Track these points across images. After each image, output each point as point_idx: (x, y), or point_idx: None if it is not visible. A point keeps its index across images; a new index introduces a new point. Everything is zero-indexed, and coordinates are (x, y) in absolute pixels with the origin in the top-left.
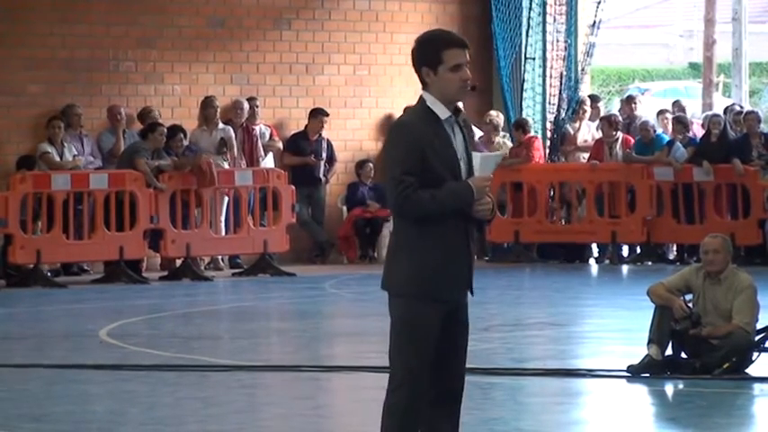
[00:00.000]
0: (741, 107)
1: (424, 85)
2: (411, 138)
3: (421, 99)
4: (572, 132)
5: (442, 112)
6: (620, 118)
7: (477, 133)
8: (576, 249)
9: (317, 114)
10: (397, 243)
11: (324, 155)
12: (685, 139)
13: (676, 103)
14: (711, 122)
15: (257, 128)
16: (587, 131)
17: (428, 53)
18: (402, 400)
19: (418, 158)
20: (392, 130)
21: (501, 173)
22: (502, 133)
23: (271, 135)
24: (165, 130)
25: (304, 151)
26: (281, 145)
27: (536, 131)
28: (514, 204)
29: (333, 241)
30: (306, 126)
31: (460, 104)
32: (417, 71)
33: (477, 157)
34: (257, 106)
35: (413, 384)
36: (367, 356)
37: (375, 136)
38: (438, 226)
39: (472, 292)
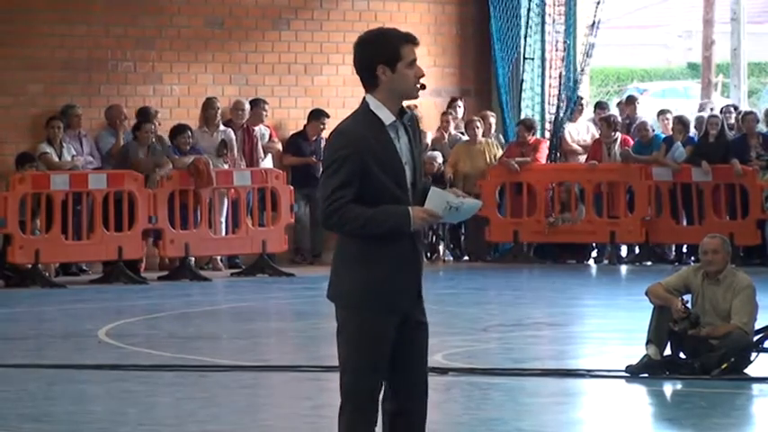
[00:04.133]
0: (736, 107)
1: (372, 87)
2: (350, 147)
3: (364, 103)
4: (569, 134)
5: (387, 117)
6: (620, 118)
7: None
8: (574, 249)
9: (318, 116)
10: (344, 253)
11: (323, 155)
12: (684, 138)
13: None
14: (709, 123)
15: (257, 129)
16: (586, 131)
17: (386, 49)
18: (350, 413)
19: (357, 169)
20: (331, 137)
21: (501, 172)
22: (494, 134)
23: (270, 136)
24: (153, 126)
25: (304, 152)
26: (280, 146)
27: (535, 132)
28: (513, 205)
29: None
30: (305, 126)
31: (413, 102)
32: (368, 70)
33: (433, 192)
34: (265, 109)
35: (362, 396)
36: None
37: None
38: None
39: (420, 296)
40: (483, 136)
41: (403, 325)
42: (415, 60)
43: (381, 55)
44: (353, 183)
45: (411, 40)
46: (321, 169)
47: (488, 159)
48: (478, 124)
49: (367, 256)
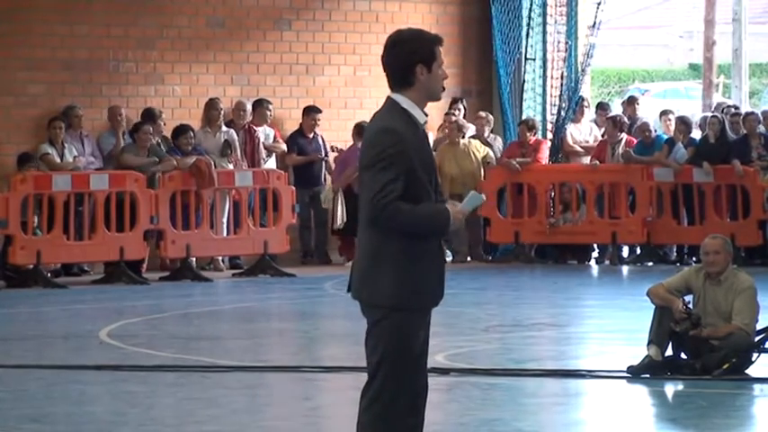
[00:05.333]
0: (736, 108)
1: (405, 86)
2: (400, 145)
3: (393, 103)
4: (571, 135)
5: (420, 117)
6: (626, 119)
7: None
8: (575, 250)
9: (310, 112)
10: (378, 252)
11: (322, 152)
12: (686, 139)
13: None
14: (709, 123)
15: (261, 129)
16: (589, 132)
17: (423, 49)
18: (384, 410)
19: (405, 167)
20: (378, 135)
21: (501, 173)
22: (492, 135)
23: (275, 137)
24: (151, 128)
25: (306, 150)
26: (284, 147)
27: (537, 132)
28: (515, 205)
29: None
30: (300, 125)
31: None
32: (405, 69)
33: (473, 195)
34: (269, 109)
35: (399, 396)
36: None
37: None
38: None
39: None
40: (475, 137)
41: (427, 322)
42: (443, 62)
43: (419, 54)
44: (402, 180)
45: (441, 41)
46: (364, 165)
47: (474, 159)
48: (462, 126)
49: (408, 255)
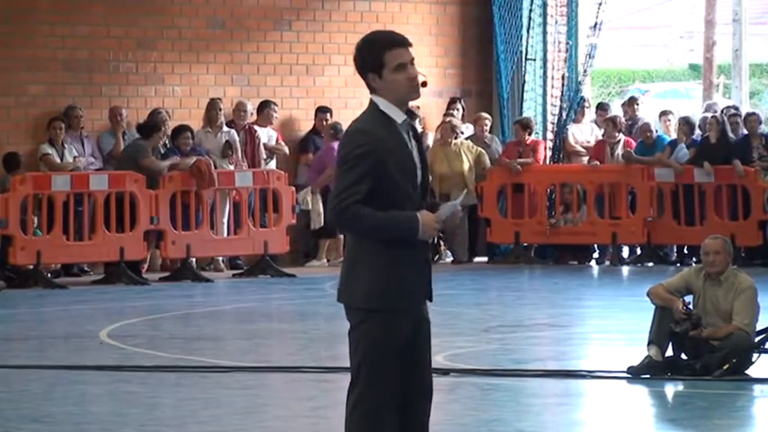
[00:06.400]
0: (736, 108)
1: (373, 91)
2: (369, 146)
3: (372, 103)
4: (572, 135)
5: (397, 116)
6: (624, 120)
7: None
8: (576, 250)
9: (319, 113)
10: (357, 254)
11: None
12: (688, 139)
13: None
14: (708, 123)
15: (264, 131)
16: (590, 132)
17: (369, 58)
18: (365, 414)
19: (372, 168)
20: (349, 135)
21: (502, 173)
22: (489, 135)
23: (277, 140)
24: (166, 130)
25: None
26: (286, 150)
27: (537, 133)
28: (515, 206)
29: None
30: (314, 125)
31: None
32: (363, 77)
33: (452, 205)
34: (275, 110)
35: (381, 397)
36: None
37: None
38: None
39: (431, 299)
40: (474, 138)
41: (416, 323)
42: (402, 64)
43: (367, 63)
44: (366, 181)
45: (397, 43)
46: (336, 166)
47: (465, 160)
48: (456, 127)
49: (385, 257)
